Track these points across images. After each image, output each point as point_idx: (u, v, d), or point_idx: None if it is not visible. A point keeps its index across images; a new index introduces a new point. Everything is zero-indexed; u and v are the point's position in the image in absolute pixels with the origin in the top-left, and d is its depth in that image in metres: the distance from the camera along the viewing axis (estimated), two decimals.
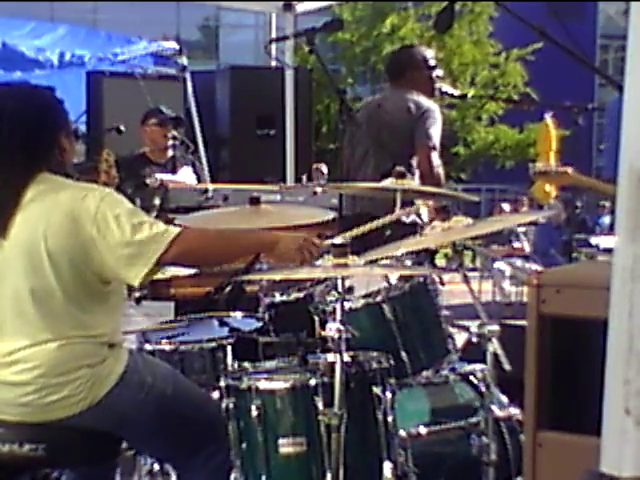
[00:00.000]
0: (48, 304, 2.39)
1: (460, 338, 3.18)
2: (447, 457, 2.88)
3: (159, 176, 4.80)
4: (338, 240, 2.50)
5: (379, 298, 2.85)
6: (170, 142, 5.50)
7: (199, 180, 5.54)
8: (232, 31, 30.43)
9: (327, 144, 16.27)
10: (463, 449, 2.79)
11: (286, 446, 2.43)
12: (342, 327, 2.39)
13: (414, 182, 3.27)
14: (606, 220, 14.83)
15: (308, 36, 3.23)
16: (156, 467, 2.90)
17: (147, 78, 7.07)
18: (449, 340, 2.96)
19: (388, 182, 3.04)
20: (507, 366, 2.71)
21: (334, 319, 2.42)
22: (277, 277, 3.15)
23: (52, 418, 2.39)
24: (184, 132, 6.21)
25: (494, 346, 2.64)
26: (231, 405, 2.51)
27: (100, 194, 2.44)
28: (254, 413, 2.44)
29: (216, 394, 2.67)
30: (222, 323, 3.15)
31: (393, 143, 4.48)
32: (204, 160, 6.50)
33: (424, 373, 2.88)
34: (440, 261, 4.73)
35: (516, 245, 11.53)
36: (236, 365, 2.84)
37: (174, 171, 5.42)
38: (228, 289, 3.36)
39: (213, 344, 2.97)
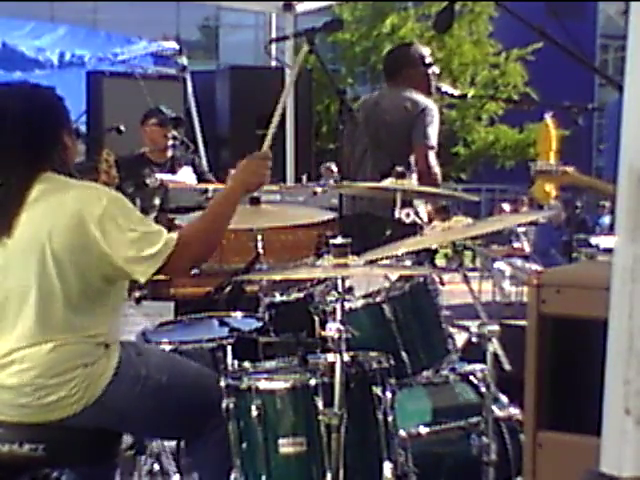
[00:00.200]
0: (48, 305, 2.39)
1: (460, 338, 3.19)
2: (447, 457, 2.87)
3: (159, 176, 4.80)
4: (338, 240, 2.49)
5: (379, 298, 2.85)
6: (170, 142, 5.50)
7: (199, 180, 5.54)
8: (232, 31, 30.42)
9: (327, 144, 16.26)
10: (463, 449, 2.78)
11: (286, 446, 2.43)
12: (342, 327, 2.39)
13: (414, 182, 3.27)
14: (606, 220, 14.82)
15: (308, 36, 3.22)
16: (156, 467, 2.91)
17: (147, 78, 7.07)
18: (449, 340, 2.96)
19: (388, 182, 3.04)
20: (507, 366, 2.71)
21: (334, 319, 2.42)
22: (277, 277, 3.15)
23: (51, 418, 2.39)
24: (184, 132, 6.21)
25: (494, 346, 2.64)
26: (231, 405, 2.51)
27: (106, 195, 2.46)
28: (254, 413, 2.44)
29: None
30: (222, 323, 3.14)
31: (391, 142, 4.47)
32: (204, 160, 6.50)
33: (424, 373, 2.88)
34: (440, 261, 4.73)
35: (516, 245, 11.53)
36: (236, 365, 2.84)
37: (174, 171, 5.42)
38: (228, 289, 3.36)
39: (213, 344, 2.96)
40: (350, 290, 2.81)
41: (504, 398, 2.97)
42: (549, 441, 1.97)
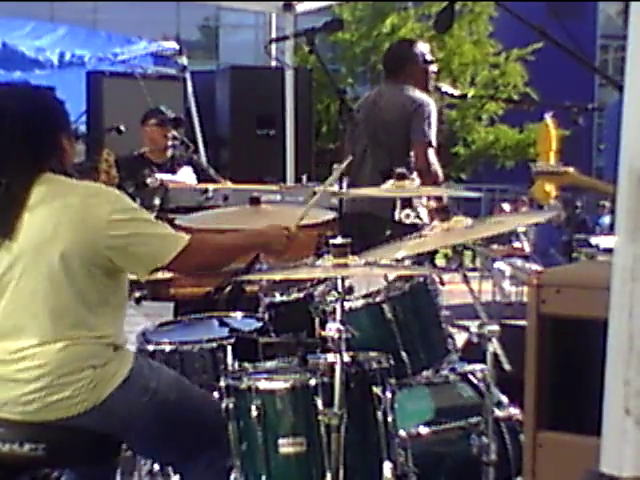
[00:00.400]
0: (57, 304, 2.40)
1: (460, 338, 3.18)
2: (447, 457, 2.87)
3: (159, 176, 4.80)
4: (338, 240, 2.49)
5: (379, 298, 2.85)
6: (170, 142, 5.50)
7: (200, 179, 5.54)
8: (232, 31, 30.42)
9: (327, 144, 16.25)
10: (463, 449, 2.78)
11: (286, 446, 2.43)
12: (342, 327, 2.39)
13: (415, 183, 3.27)
14: (606, 220, 14.81)
15: (308, 36, 3.22)
16: (156, 467, 2.90)
17: (147, 78, 7.07)
18: (449, 340, 2.96)
19: (390, 184, 3.04)
20: (507, 366, 2.71)
21: (334, 319, 2.42)
22: (277, 277, 3.15)
23: (53, 418, 2.40)
24: (184, 132, 6.21)
25: (494, 346, 2.64)
26: (231, 405, 2.51)
27: (113, 195, 2.50)
28: (254, 413, 2.44)
29: (216, 394, 2.66)
30: (222, 323, 3.14)
31: (390, 140, 4.48)
32: (204, 160, 6.49)
33: (424, 373, 2.88)
34: (440, 261, 4.73)
35: (516, 245, 11.54)
36: (236, 365, 2.84)
37: (174, 171, 5.42)
38: (228, 289, 3.36)
39: (213, 344, 2.96)
40: (350, 290, 2.81)
41: (504, 398, 2.97)
42: (549, 441, 1.97)
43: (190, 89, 7.15)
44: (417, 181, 4.26)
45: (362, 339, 2.68)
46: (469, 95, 8.07)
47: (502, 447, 2.82)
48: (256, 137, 7.13)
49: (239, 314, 3.25)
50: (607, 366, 1.40)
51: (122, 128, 5.17)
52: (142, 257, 2.47)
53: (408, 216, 2.94)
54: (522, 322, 2.14)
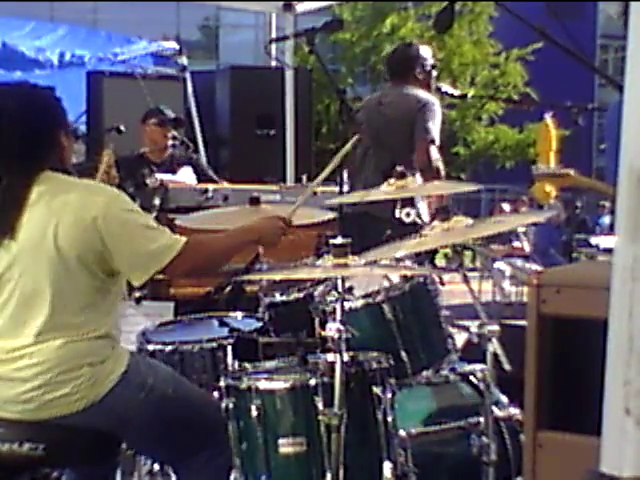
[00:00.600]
0: (57, 302, 2.41)
1: (460, 338, 3.18)
2: (447, 457, 2.87)
3: (159, 176, 4.80)
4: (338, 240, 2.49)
5: (379, 298, 2.85)
6: (170, 142, 5.50)
7: (200, 179, 5.53)
8: (232, 31, 30.42)
9: (327, 144, 16.25)
10: (463, 449, 2.78)
11: (286, 446, 2.43)
12: (342, 327, 2.39)
13: (415, 182, 3.26)
14: (606, 220, 14.81)
15: (308, 36, 3.23)
16: (156, 467, 2.90)
17: (147, 78, 7.06)
18: (449, 340, 2.96)
19: (389, 183, 3.04)
20: (507, 366, 2.71)
21: (334, 319, 2.42)
22: (277, 277, 3.15)
23: (52, 415, 2.40)
24: (184, 132, 6.21)
25: (494, 346, 2.64)
26: (231, 405, 2.51)
27: (112, 194, 2.49)
28: (254, 413, 2.44)
29: (216, 394, 2.67)
30: (222, 323, 3.15)
31: (393, 139, 4.50)
32: (204, 160, 6.49)
33: (424, 373, 2.88)
34: (440, 261, 4.73)
35: (516, 245, 11.54)
36: (236, 365, 2.84)
37: (174, 171, 5.42)
38: (228, 289, 3.36)
39: (213, 344, 2.97)
40: (350, 290, 2.81)
41: (504, 398, 2.97)
42: (549, 441, 1.97)
43: (190, 89, 7.15)
44: (418, 179, 4.27)
45: (362, 339, 2.68)
46: (469, 95, 8.05)
47: (502, 447, 2.82)
48: (256, 137, 7.12)
49: (239, 314, 3.25)
50: (607, 366, 1.40)
51: (122, 128, 5.17)
52: (139, 259, 2.46)
53: (408, 215, 2.94)
54: (522, 322, 2.14)
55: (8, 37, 8.03)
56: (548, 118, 4.00)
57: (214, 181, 5.19)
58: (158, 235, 2.47)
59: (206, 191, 4.74)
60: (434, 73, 4.73)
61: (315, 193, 4.93)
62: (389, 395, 2.52)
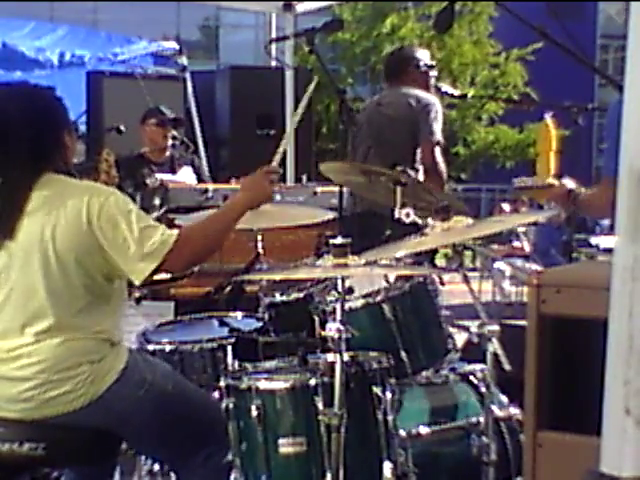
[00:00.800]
0: (54, 302, 2.41)
1: (460, 338, 3.18)
2: (447, 457, 2.87)
3: (159, 176, 4.80)
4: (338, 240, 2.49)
5: (379, 298, 2.85)
6: (170, 142, 5.51)
7: (199, 180, 5.54)
8: (232, 31, 30.41)
9: (327, 144, 16.24)
10: (463, 449, 2.78)
11: (286, 446, 2.43)
12: (342, 327, 2.39)
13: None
14: (606, 220, 14.80)
15: (308, 36, 3.23)
16: (156, 467, 2.90)
17: (147, 78, 7.07)
18: (449, 340, 2.96)
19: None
20: (507, 366, 2.71)
21: (334, 319, 2.42)
22: (277, 277, 3.15)
23: (52, 414, 2.40)
24: (184, 132, 6.21)
25: (494, 346, 2.63)
26: (231, 405, 2.51)
27: (105, 195, 2.48)
28: (254, 413, 2.44)
29: (216, 394, 2.67)
30: (222, 323, 3.15)
31: (395, 138, 4.51)
32: (204, 160, 6.50)
33: (424, 373, 2.88)
34: (440, 261, 4.73)
35: (516, 245, 11.53)
36: (236, 365, 2.84)
37: (174, 171, 5.42)
38: (228, 289, 3.36)
39: (213, 344, 2.97)
40: (350, 290, 2.81)
41: (504, 398, 2.97)
42: (549, 441, 1.97)
43: (190, 89, 7.15)
44: (420, 178, 4.27)
45: (362, 339, 2.68)
46: (469, 95, 8.07)
47: (502, 447, 2.81)
48: (256, 137, 7.12)
49: (239, 314, 3.25)
50: (607, 366, 1.40)
51: (122, 128, 5.18)
52: (135, 258, 2.44)
53: (408, 215, 2.93)
54: (522, 322, 2.14)
55: (8, 37, 8.04)
56: (548, 118, 4.00)
57: (214, 182, 5.20)
58: (152, 232, 2.45)
59: (206, 191, 4.74)
60: (432, 73, 4.74)
61: (315, 193, 4.95)
62: (389, 395, 2.52)
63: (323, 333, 2.44)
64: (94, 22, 24.54)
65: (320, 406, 2.39)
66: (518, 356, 2.14)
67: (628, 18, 1.45)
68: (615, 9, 29.92)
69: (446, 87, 4.50)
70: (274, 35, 7.18)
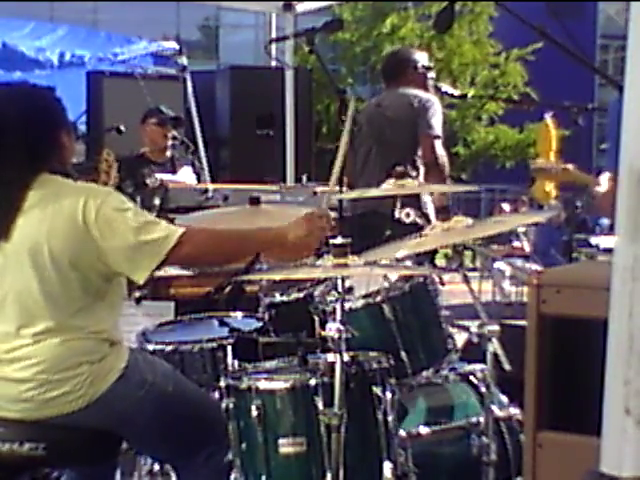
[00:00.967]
0: (50, 303, 2.41)
1: (460, 338, 3.18)
2: (447, 457, 2.87)
3: (159, 176, 4.80)
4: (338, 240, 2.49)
5: (379, 298, 2.85)
6: (170, 142, 5.51)
7: (199, 180, 5.54)
8: (232, 31, 30.40)
9: (327, 144, 16.25)
10: (463, 449, 2.78)
11: (286, 446, 2.43)
12: (342, 327, 2.39)
13: (415, 181, 3.26)
14: (606, 220, 14.80)
15: (308, 36, 3.23)
16: (156, 467, 2.90)
17: (147, 78, 7.07)
18: (449, 340, 2.96)
19: (390, 183, 3.04)
20: (507, 366, 2.71)
21: (334, 319, 2.42)
22: (277, 277, 3.14)
23: (52, 414, 2.40)
24: (184, 132, 6.21)
25: (494, 346, 2.63)
26: (231, 405, 2.51)
27: (101, 195, 2.46)
28: (254, 413, 2.44)
29: (216, 394, 2.67)
30: (222, 323, 3.14)
31: (397, 139, 4.51)
32: (204, 160, 6.50)
33: (424, 373, 2.88)
34: (440, 261, 4.74)
35: (516, 245, 11.54)
36: (236, 365, 2.84)
37: (174, 171, 5.42)
38: (228, 289, 3.36)
39: (213, 344, 2.97)
40: (350, 290, 2.81)
41: (504, 398, 2.97)
42: (549, 441, 1.97)
43: (190, 89, 7.15)
44: (420, 178, 4.27)
45: (362, 339, 2.68)
46: (469, 95, 8.09)
47: (502, 447, 2.81)
48: (256, 137, 7.13)
49: (239, 314, 3.25)
50: (607, 366, 1.40)
51: (122, 128, 5.18)
52: (136, 256, 2.43)
53: (408, 215, 2.94)
54: (522, 322, 2.14)
55: (8, 37, 8.04)
56: (548, 118, 4.01)
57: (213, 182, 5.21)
58: (153, 229, 2.43)
59: (206, 191, 4.74)
60: (430, 74, 4.74)
61: (315, 193, 4.95)
62: (389, 395, 2.52)
63: (323, 333, 2.44)
64: (94, 22, 24.54)
65: (320, 406, 2.39)
66: (518, 356, 2.14)
67: (628, 18, 1.44)
68: (615, 9, 29.92)
69: (446, 87, 4.51)
70: (274, 35, 7.18)
